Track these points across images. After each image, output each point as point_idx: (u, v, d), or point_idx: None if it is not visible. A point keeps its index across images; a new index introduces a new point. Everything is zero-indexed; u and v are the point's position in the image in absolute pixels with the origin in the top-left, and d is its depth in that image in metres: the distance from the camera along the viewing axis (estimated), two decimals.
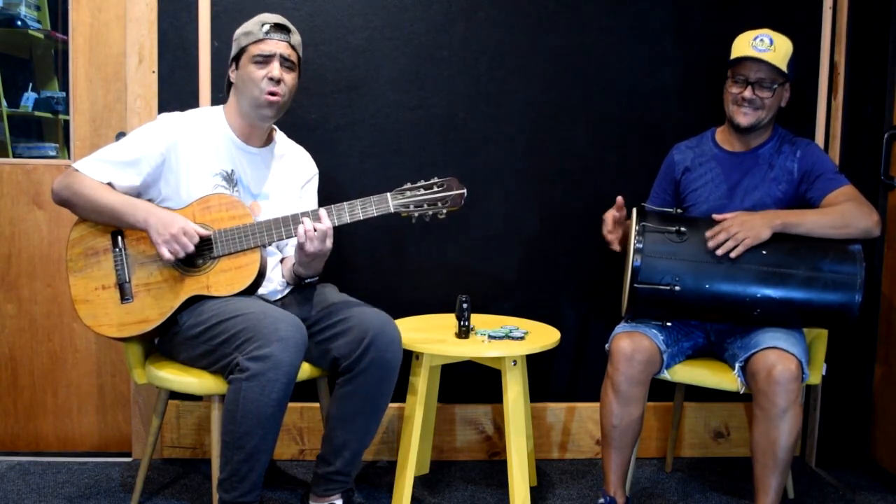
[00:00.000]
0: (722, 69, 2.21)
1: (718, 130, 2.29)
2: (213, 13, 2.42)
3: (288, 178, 2.17)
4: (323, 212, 1.92)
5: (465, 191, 1.92)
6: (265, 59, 1.99)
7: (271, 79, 1.99)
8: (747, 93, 2.11)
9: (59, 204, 1.99)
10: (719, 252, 1.97)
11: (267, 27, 2.00)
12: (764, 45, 2.09)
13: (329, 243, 1.92)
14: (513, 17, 2.50)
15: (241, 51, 2.02)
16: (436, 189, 1.91)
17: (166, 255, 1.89)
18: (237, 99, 2.06)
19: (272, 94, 2.00)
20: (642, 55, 2.54)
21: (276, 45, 2.01)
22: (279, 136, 2.21)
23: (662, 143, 2.39)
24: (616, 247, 2.21)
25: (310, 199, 2.22)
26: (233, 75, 2.07)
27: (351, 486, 2.06)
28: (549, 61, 2.53)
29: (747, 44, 2.11)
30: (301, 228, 1.89)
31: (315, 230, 1.89)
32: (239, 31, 2.05)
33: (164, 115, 2.07)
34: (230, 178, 2.05)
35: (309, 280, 2.09)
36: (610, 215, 2.19)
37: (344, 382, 1.98)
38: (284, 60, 2.01)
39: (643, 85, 2.55)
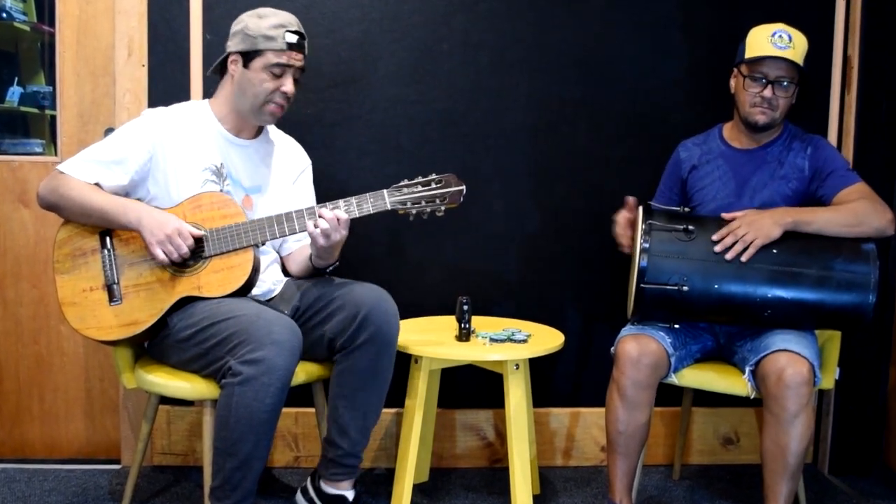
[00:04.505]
0: (731, 64, 2.19)
1: (726, 126, 2.27)
2: (204, 5, 2.39)
3: (280, 171, 2.15)
4: (327, 207, 1.89)
5: (463, 187, 1.91)
6: (281, 72, 1.96)
7: (283, 92, 1.97)
8: (767, 92, 2.08)
9: (46, 208, 1.98)
10: (728, 256, 1.95)
11: (291, 38, 1.95)
12: (784, 42, 2.05)
13: (346, 231, 1.91)
14: (515, 10, 2.49)
15: (256, 52, 1.95)
16: (434, 186, 1.90)
17: (160, 256, 1.87)
18: (233, 93, 2.01)
19: (280, 106, 2.00)
20: (648, 48, 2.53)
21: (295, 60, 1.97)
22: (269, 127, 2.18)
23: (668, 140, 2.37)
24: (627, 249, 2.19)
25: (305, 192, 2.20)
26: (234, 67, 1.99)
27: (357, 472, 2.05)
28: (551, 55, 2.51)
29: (765, 40, 2.07)
30: (323, 221, 1.85)
31: (339, 220, 1.87)
32: (254, 24, 1.94)
33: (149, 110, 2.05)
34: (219, 172, 2.02)
35: (331, 268, 2.06)
36: (623, 216, 2.18)
37: (341, 359, 1.98)
38: (296, 71, 1.99)
39: (648, 79, 2.54)
